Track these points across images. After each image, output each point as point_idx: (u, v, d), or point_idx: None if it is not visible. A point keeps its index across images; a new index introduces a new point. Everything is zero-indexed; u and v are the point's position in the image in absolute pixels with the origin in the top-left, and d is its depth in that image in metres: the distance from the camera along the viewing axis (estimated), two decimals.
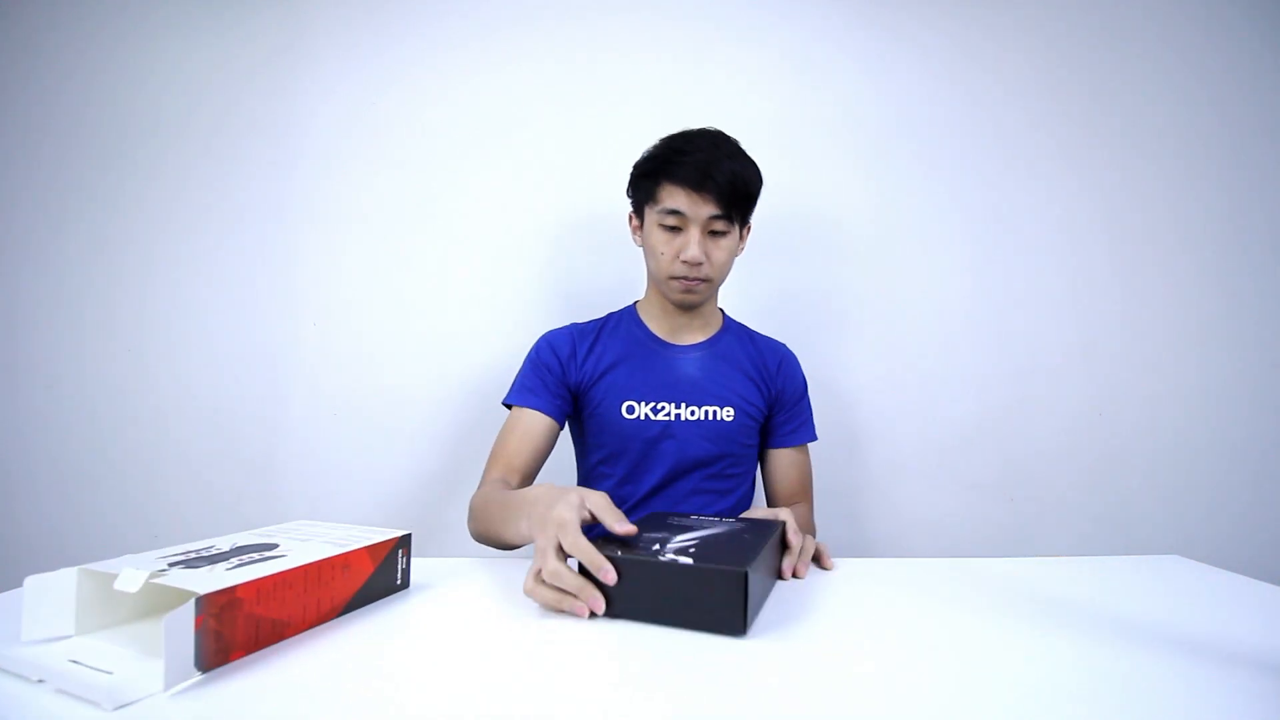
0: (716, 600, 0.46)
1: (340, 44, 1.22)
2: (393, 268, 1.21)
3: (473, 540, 0.81)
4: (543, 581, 0.51)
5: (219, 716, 0.34)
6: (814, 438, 0.98)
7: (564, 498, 0.55)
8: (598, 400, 0.90)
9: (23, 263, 1.17)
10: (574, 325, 0.96)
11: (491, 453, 0.88)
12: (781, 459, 0.96)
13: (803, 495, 0.97)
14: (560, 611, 0.50)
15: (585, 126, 1.22)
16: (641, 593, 0.48)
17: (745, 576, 0.45)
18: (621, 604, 0.49)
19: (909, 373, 1.24)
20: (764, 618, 0.50)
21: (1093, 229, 1.25)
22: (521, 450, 0.86)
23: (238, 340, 1.19)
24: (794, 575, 0.61)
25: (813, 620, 0.51)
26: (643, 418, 0.89)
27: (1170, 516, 1.23)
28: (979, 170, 1.25)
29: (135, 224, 1.19)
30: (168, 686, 0.36)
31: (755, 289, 1.21)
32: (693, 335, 0.95)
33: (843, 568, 0.65)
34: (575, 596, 0.49)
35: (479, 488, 0.85)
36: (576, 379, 0.91)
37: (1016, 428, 1.23)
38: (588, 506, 0.55)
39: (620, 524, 0.54)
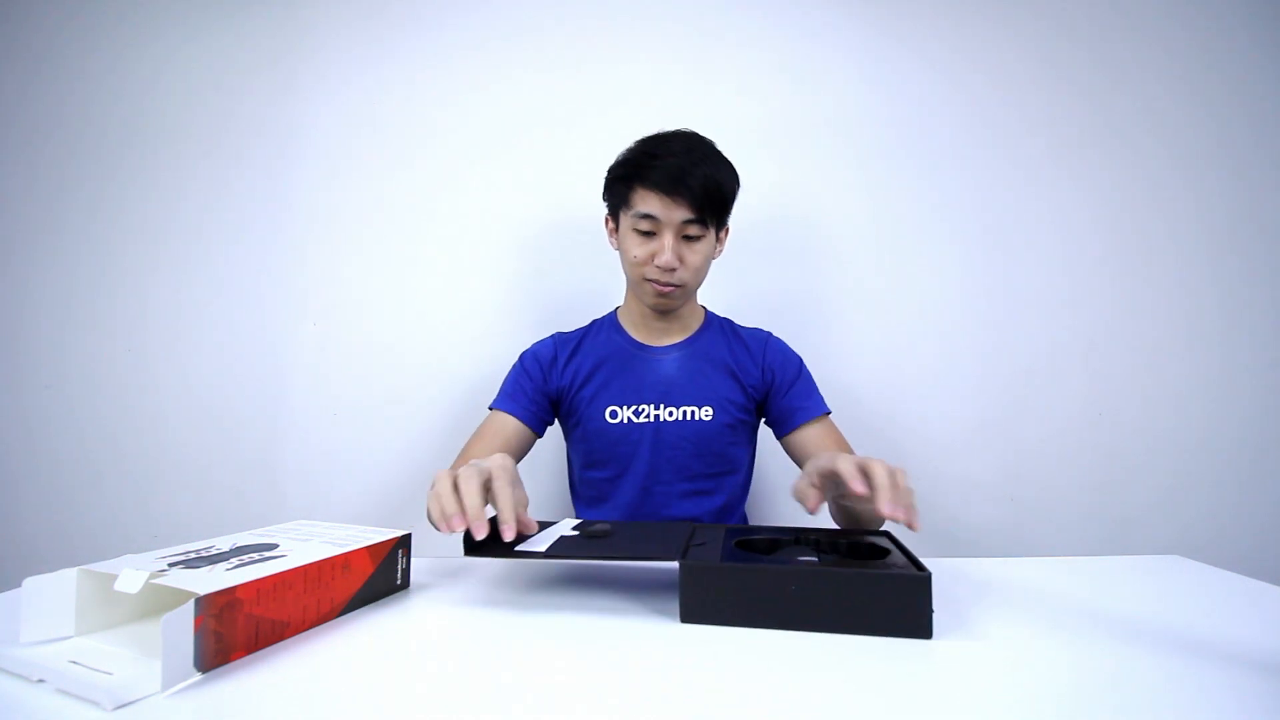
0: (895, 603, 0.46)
1: (342, 47, 1.22)
2: (393, 268, 1.21)
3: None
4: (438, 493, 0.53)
5: (219, 717, 0.34)
6: (826, 410, 0.93)
7: (509, 467, 0.56)
8: (582, 407, 0.91)
9: (24, 262, 1.18)
10: (557, 335, 0.98)
11: (461, 451, 0.90)
12: (808, 438, 0.90)
13: None
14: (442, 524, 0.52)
15: (586, 130, 1.22)
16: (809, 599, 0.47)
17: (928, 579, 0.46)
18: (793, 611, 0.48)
19: (908, 374, 1.24)
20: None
21: (1091, 229, 1.25)
22: (488, 447, 0.87)
23: (238, 340, 1.19)
24: (905, 522, 0.53)
25: None
26: (625, 421, 0.90)
27: (1170, 516, 1.22)
28: (977, 170, 1.25)
29: (136, 224, 1.19)
30: (166, 687, 0.36)
31: (752, 292, 1.21)
32: (671, 336, 0.95)
33: None
34: (453, 513, 0.51)
35: None
36: (558, 385, 0.93)
37: (1016, 428, 1.23)
38: (494, 488, 0.54)
39: (504, 527, 0.53)
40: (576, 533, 0.59)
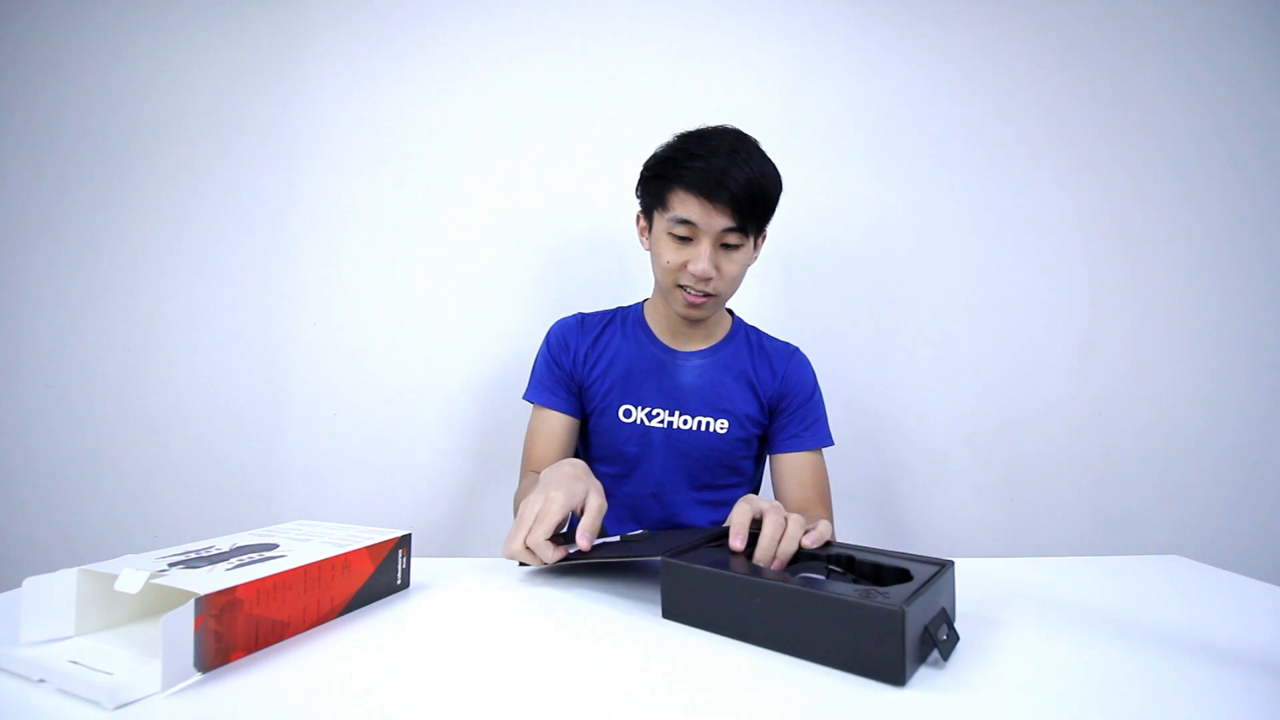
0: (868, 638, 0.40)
1: (339, 44, 1.22)
2: (392, 269, 1.21)
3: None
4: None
5: (219, 717, 0.34)
6: (826, 442, 0.91)
7: (570, 488, 0.60)
8: (597, 399, 0.91)
9: (23, 263, 1.17)
10: (581, 315, 0.96)
11: (524, 452, 0.92)
12: (788, 464, 0.89)
13: (816, 503, 0.88)
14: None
15: (586, 126, 1.22)
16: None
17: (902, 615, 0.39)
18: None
19: (910, 373, 1.24)
20: None
21: (1092, 231, 1.25)
22: (548, 454, 0.89)
23: (238, 340, 1.19)
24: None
25: None
26: (638, 422, 0.89)
27: (1170, 516, 1.23)
28: (981, 171, 1.25)
29: (135, 224, 1.19)
30: (166, 687, 0.36)
31: (755, 289, 1.21)
32: (696, 342, 0.92)
33: None
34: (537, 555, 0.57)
35: (518, 486, 0.90)
36: (581, 373, 0.92)
37: (1017, 428, 1.23)
38: (584, 504, 0.61)
39: (582, 536, 0.58)
40: (618, 538, 0.63)
